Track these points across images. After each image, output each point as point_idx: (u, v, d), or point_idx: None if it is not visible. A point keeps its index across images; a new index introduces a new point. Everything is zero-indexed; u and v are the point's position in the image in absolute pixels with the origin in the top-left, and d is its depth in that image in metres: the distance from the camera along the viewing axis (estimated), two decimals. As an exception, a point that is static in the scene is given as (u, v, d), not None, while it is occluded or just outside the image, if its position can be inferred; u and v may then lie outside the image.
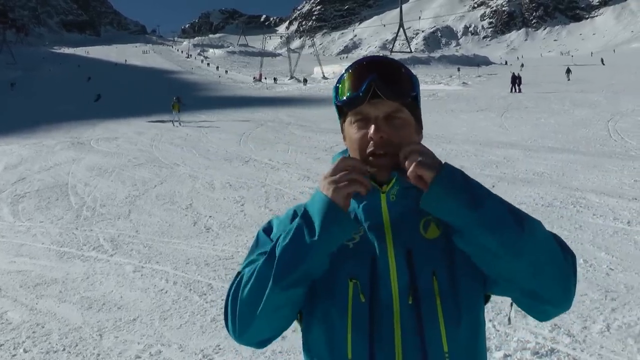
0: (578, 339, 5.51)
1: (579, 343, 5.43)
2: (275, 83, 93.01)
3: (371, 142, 1.70)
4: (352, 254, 1.72)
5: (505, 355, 5.19)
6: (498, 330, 5.62)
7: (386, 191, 1.75)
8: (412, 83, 1.79)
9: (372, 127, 1.69)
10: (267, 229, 1.90)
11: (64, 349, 5.74)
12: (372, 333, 1.68)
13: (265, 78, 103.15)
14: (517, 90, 45.45)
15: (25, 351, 5.76)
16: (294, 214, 1.87)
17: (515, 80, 46.73)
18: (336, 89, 1.79)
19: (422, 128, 1.88)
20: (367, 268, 1.70)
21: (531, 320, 5.84)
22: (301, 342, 1.88)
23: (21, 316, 6.70)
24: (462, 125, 26.46)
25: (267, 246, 1.76)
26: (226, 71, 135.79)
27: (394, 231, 1.73)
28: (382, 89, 1.68)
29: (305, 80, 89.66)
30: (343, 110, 1.81)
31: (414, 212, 1.73)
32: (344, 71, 1.79)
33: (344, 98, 1.74)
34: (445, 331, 1.68)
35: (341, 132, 1.87)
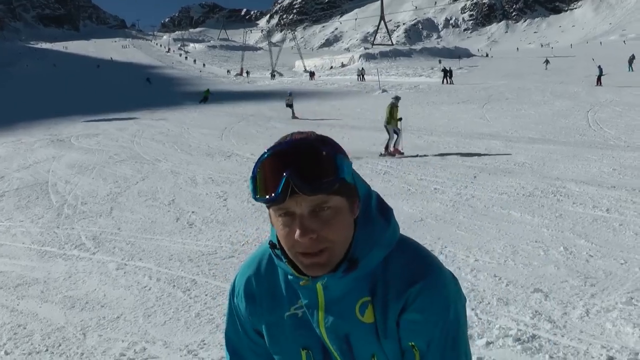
0: (559, 324, 5.57)
1: (559, 328, 5.49)
2: (247, 76, 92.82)
3: (297, 239, 1.51)
4: (302, 323, 1.69)
5: (488, 343, 5.22)
6: (480, 319, 5.67)
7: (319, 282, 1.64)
8: (336, 166, 1.53)
9: (297, 230, 1.50)
10: (232, 294, 1.88)
11: (46, 350, 5.69)
12: None
13: (247, 72, 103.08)
14: (449, 82, 50.48)
15: (6, 353, 5.70)
16: (247, 290, 1.81)
17: (446, 74, 52.02)
18: (253, 180, 1.55)
19: (357, 201, 1.63)
20: (318, 339, 1.69)
21: (513, 307, 5.93)
22: None
23: (1, 318, 6.62)
24: (443, 117, 26.65)
25: (237, 319, 1.85)
26: (204, 64, 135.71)
27: (327, 311, 1.67)
28: (300, 186, 1.47)
29: (273, 75, 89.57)
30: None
31: (348, 294, 1.65)
32: (259, 159, 1.55)
33: (262, 198, 1.52)
34: None
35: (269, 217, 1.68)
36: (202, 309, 6.45)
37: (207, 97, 47.43)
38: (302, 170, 1.47)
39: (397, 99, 18.72)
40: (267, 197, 1.50)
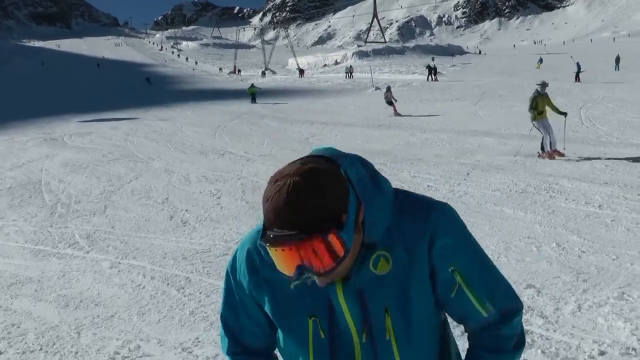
0: (551, 320, 5.61)
1: (551, 324, 5.52)
2: (264, 77, 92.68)
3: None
4: (310, 291, 1.73)
5: (480, 340, 5.24)
6: None
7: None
8: (341, 223, 1.57)
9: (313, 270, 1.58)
10: (232, 270, 1.93)
11: (40, 349, 5.69)
12: None
13: (239, 70, 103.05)
14: (434, 79, 51.41)
15: (0, 352, 5.70)
16: (250, 261, 1.86)
17: (431, 71, 53.06)
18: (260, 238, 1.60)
19: (358, 217, 1.66)
20: (325, 306, 1.74)
21: (507, 305, 5.91)
22: None
23: (-5, 316, 6.63)
24: (436, 114, 26.65)
25: (235, 294, 1.92)
26: (196, 62, 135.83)
27: (343, 277, 1.72)
28: (316, 274, 1.59)
29: (263, 73, 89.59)
30: None
31: (365, 250, 1.71)
32: (261, 238, 1.58)
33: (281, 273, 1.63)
34: None
35: None
36: (196, 306, 6.46)
37: (254, 93, 42.93)
38: (311, 260, 1.55)
39: (543, 85, 16.43)
40: (284, 275, 1.61)
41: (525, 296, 6.16)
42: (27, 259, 8.82)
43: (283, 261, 1.56)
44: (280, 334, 1.89)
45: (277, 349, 2.02)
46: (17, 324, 6.36)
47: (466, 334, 1.93)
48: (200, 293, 6.87)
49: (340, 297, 1.73)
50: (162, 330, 5.94)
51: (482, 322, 1.81)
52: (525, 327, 5.31)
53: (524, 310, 5.52)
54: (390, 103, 28.83)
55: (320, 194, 1.54)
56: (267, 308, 1.84)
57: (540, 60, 66.00)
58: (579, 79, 39.47)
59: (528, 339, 5.18)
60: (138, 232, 9.90)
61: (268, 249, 1.57)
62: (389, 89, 29.93)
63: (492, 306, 1.79)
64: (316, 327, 1.76)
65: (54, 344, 5.78)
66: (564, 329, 5.40)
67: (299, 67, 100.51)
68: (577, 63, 42.70)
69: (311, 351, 1.78)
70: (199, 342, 5.60)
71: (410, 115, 23.84)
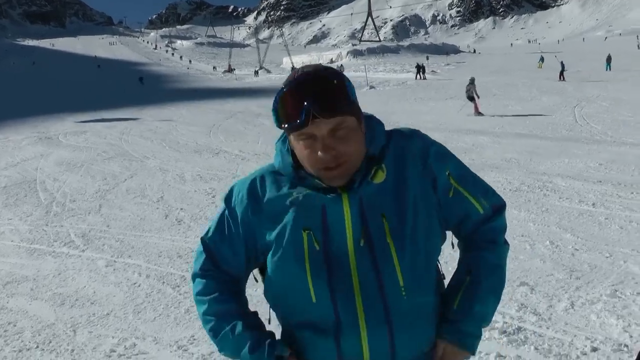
0: (544, 317, 5.66)
1: (544, 321, 5.58)
2: (257, 76, 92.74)
3: (322, 157, 1.81)
4: (304, 206, 1.89)
5: (475, 337, 5.28)
6: None
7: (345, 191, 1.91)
8: (347, 92, 1.85)
9: (320, 147, 1.80)
10: (227, 199, 2.10)
11: (37, 347, 5.71)
12: (331, 277, 1.85)
13: (234, 69, 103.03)
14: (422, 78, 53.02)
15: (-3, 350, 5.73)
16: (252, 189, 2.04)
17: (419, 69, 54.52)
18: (275, 111, 1.87)
19: (363, 118, 1.96)
20: (319, 218, 1.87)
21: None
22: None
23: (-9, 315, 6.66)
24: (431, 113, 26.76)
25: (225, 222, 2.07)
26: (190, 61, 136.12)
27: (347, 187, 1.89)
28: (321, 112, 1.76)
29: (256, 72, 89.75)
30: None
31: (366, 163, 1.93)
32: (279, 94, 1.85)
33: (286, 125, 1.84)
34: (399, 267, 1.86)
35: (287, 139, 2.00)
36: (191, 304, 6.44)
37: None
38: (319, 98, 1.77)
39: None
40: (292, 123, 1.81)
41: (519, 294, 6.23)
42: (22, 257, 8.83)
43: (291, 102, 1.81)
44: (274, 263, 1.96)
45: (268, 301, 2.11)
46: (13, 322, 6.37)
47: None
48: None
49: (346, 205, 1.88)
50: (157, 328, 5.97)
51: (479, 219, 2.07)
52: (519, 324, 5.44)
53: (517, 307, 5.63)
54: (471, 99, 25.84)
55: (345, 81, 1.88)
56: (265, 230, 1.96)
57: (542, 59, 62.39)
58: (563, 78, 40.84)
59: (521, 336, 5.26)
60: (133, 231, 9.91)
61: (278, 103, 1.86)
62: (472, 81, 26.33)
63: (486, 201, 2.07)
64: (310, 239, 1.87)
65: (50, 342, 5.80)
66: (557, 325, 5.45)
67: (293, 66, 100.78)
68: (562, 62, 44.42)
69: (307, 262, 1.86)
70: (194, 339, 5.63)
71: (493, 116, 23.68)
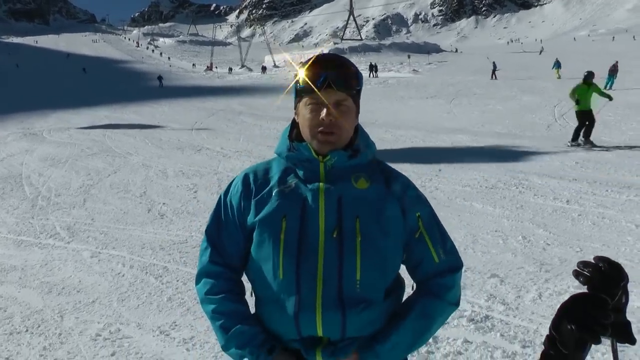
0: (511, 306, 5.89)
1: (512, 310, 5.80)
2: (230, 73, 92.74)
3: (321, 121, 2.16)
4: (287, 197, 2.18)
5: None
6: None
7: (324, 161, 2.21)
8: (358, 79, 2.25)
9: (325, 110, 2.15)
10: (225, 193, 2.40)
11: (26, 330, 5.90)
12: (299, 259, 2.12)
13: (217, 67, 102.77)
14: (375, 76, 56.99)
15: (-12, 334, 5.92)
16: (245, 180, 2.34)
17: (372, 68, 59.35)
18: (296, 76, 2.23)
19: (359, 113, 2.33)
20: (298, 208, 2.15)
21: (468, 291, 6.23)
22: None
23: (-18, 302, 6.83)
24: (411, 112, 26.94)
25: (223, 214, 2.36)
26: (169, 58, 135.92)
27: (326, 182, 2.19)
28: (335, 82, 2.14)
29: (264, 69, 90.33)
30: (301, 93, 2.22)
31: (347, 170, 2.21)
32: (306, 61, 2.22)
33: (304, 85, 2.18)
34: (360, 264, 2.12)
35: (294, 109, 2.32)
36: (173, 293, 6.70)
37: None
38: (336, 72, 2.16)
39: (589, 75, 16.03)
40: (308, 85, 2.16)
41: (489, 285, 6.45)
42: (10, 248, 8.97)
43: (313, 69, 2.18)
44: (255, 242, 2.24)
45: (246, 272, 2.39)
46: (3, 308, 6.55)
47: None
48: (178, 281, 7.11)
49: (321, 198, 2.18)
50: (140, 314, 6.17)
51: (432, 269, 2.27)
52: (487, 313, 5.64)
53: (486, 297, 5.86)
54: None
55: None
56: (252, 214, 2.24)
57: (558, 65, 46.61)
58: (495, 77, 45.03)
59: (488, 324, 5.49)
60: (117, 224, 10.07)
61: (308, 64, 2.22)
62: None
63: (444, 255, 2.28)
64: (288, 224, 2.15)
65: (39, 326, 5.99)
66: (523, 314, 5.68)
67: (275, 64, 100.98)
68: (493, 62, 48.72)
69: (281, 243, 2.14)
70: (175, 325, 5.84)
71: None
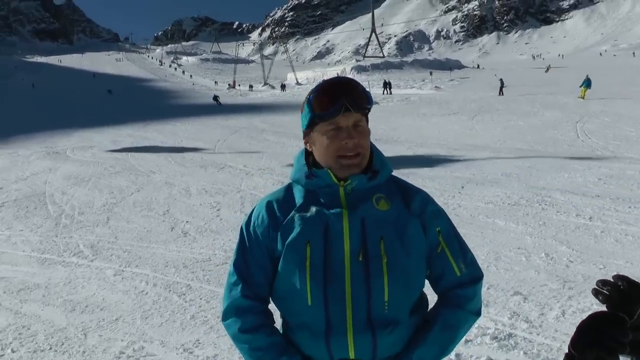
0: (535, 324, 5.84)
1: (535, 328, 5.75)
2: (251, 90, 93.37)
3: (345, 145, 2.16)
4: (309, 221, 2.18)
5: (466, 341, 5.48)
6: None
7: (344, 185, 2.20)
8: (369, 98, 2.24)
9: (346, 135, 2.16)
10: (247, 224, 2.36)
11: (50, 348, 5.95)
12: (326, 285, 2.13)
13: (239, 85, 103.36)
14: (389, 93, 56.83)
15: (12, 351, 5.95)
16: (269, 209, 2.32)
17: (386, 85, 58.71)
18: (309, 103, 2.21)
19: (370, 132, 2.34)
20: (322, 233, 2.16)
21: (492, 308, 6.19)
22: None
23: (6, 319, 6.87)
24: (433, 129, 26.85)
25: (248, 246, 2.33)
26: (191, 76, 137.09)
27: (349, 206, 2.19)
28: (352, 104, 2.14)
29: (283, 86, 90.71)
30: (314, 121, 2.21)
31: (367, 192, 2.21)
32: (315, 89, 2.22)
33: (321, 112, 2.17)
34: (387, 285, 2.14)
35: (304, 137, 2.33)
36: (197, 311, 6.74)
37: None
38: (351, 95, 2.16)
39: None
40: (326, 112, 2.15)
41: (512, 302, 6.40)
42: (34, 266, 9.07)
43: (328, 94, 2.18)
44: (281, 268, 2.25)
45: (273, 300, 2.39)
46: (27, 326, 6.61)
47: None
48: (201, 299, 7.14)
49: (345, 221, 2.18)
50: (164, 332, 6.21)
51: (454, 282, 2.30)
52: (510, 331, 5.60)
53: (509, 315, 5.83)
54: None
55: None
56: (279, 243, 2.24)
57: (588, 84, 39.28)
58: (502, 93, 45.01)
59: (512, 342, 5.46)
60: (140, 242, 10.15)
61: (315, 95, 2.21)
62: None
63: (465, 268, 2.31)
64: (313, 250, 2.16)
65: (63, 344, 6.04)
66: (547, 332, 5.63)
67: (297, 82, 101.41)
68: (501, 79, 48.27)
69: (308, 270, 2.15)
70: (199, 343, 5.87)
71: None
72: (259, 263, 2.31)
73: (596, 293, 1.52)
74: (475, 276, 2.35)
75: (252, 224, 2.33)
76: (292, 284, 2.20)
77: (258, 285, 2.31)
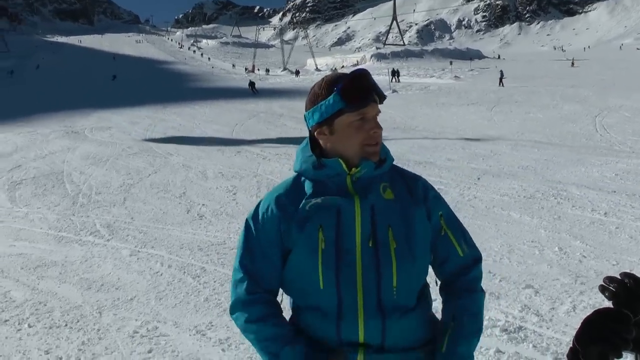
0: (545, 318, 5.84)
1: (545, 322, 5.76)
2: (267, 74, 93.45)
3: (372, 134, 2.24)
4: (321, 207, 2.22)
5: (476, 332, 5.52)
6: None
7: (351, 173, 2.25)
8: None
9: (374, 124, 2.25)
10: (255, 217, 2.35)
11: (66, 325, 6.05)
12: (338, 269, 2.18)
13: (258, 69, 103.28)
14: (397, 81, 57.56)
15: (29, 326, 6.06)
16: (279, 202, 2.32)
17: (394, 74, 59.12)
18: (340, 94, 2.21)
19: None
20: (334, 217, 2.20)
21: (503, 301, 6.22)
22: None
23: (24, 295, 6.99)
24: (452, 119, 26.75)
25: (255, 239, 2.32)
26: (209, 58, 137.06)
27: (359, 194, 2.24)
28: (380, 96, 2.27)
29: (297, 72, 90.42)
30: (342, 111, 2.22)
31: (372, 181, 2.29)
32: (347, 78, 2.25)
33: (357, 102, 2.20)
34: (396, 271, 2.19)
35: (317, 127, 2.30)
36: (210, 294, 6.81)
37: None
38: (377, 87, 2.25)
39: None
40: (358, 102, 2.20)
41: (523, 296, 6.41)
42: (51, 244, 9.21)
43: (358, 85, 2.22)
44: (293, 254, 2.27)
45: (283, 284, 2.40)
46: (43, 302, 6.72)
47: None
48: (215, 282, 7.22)
49: (357, 208, 2.23)
50: (178, 313, 6.28)
51: (459, 263, 2.39)
52: (520, 324, 5.63)
53: (520, 308, 5.85)
54: None
55: None
56: (291, 235, 2.25)
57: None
58: (502, 84, 46.03)
59: (521, 334, 5.48)
60: (156, 224, 10.25)
61: (343, 87, 2.22)
62: None
63: (467, 248, 2.40)
64: (325, 235, 2.19)
65: (78, 321, 6.14)
66: (557, 326, 5.63)
67: (317, 68, 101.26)
68: (500, 70, 49.75)
69: (320, 254, 2.18)
70: (212, 325, 5.94)
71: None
72: (266, 256, 2.31)
73: (603, 289, 1.56)
74: (476, 257, 2.44)
75: (260, 217, 2.33)
76: (304, 267, 2.23)
77: (265, 279, 2.32)
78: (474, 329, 2.36)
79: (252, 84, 54.96)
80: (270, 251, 2.31)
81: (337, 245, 2.19)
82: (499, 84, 46.06)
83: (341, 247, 2.19)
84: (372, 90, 2.23)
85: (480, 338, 5.19)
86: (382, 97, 2.28)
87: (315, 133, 2.32)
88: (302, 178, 2.35)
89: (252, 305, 2.29)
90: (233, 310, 2.33)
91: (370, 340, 2.22)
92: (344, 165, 2.24)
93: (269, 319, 2.28)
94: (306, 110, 2.35)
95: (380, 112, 2.29)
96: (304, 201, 2.27)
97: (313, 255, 2.20)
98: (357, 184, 2.26)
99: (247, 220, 2.37)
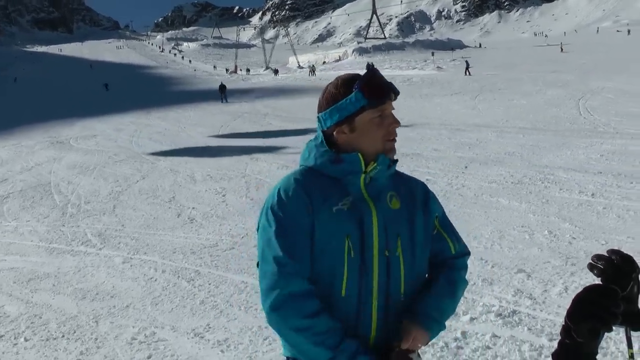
0: (538, 301, 5.92)
1: (538, 304, 5.84)
2: (248, 74, 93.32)
3: (392, 130, 2.33)
4: (347, 215, 2.23)
5: (472, 318, 5.57)
6: (466, 298, 5.92)
7: (367, 171, 2.29)
8: None
9: (393, 119, 2.34)
10: (281, 203, 2.24)
11: (63, 336, 6.06)
12: (361, 278, 2.21)
13: (241, 70, 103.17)
14: None
15: (26, 340, 6.05)
16: (306, 189, 2.26)
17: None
18: (362, 92, 2.27)
19: None
20: (358, 228, 2.23)
21: (496, 286, 6.28)
22: None
23: (18, 309, 6.98)
24: (436, 109, 26.89)
25: (287, 225, 2.20)
26: (190, 61, 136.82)
27: (375, 203, 2.28)
28: (397, 92, 2.35)
29: (276, 71, 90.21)
30: (364, 108, 2.28)
31: (383, 188, 2.35)
32: (366, 77, 2.31)
33: (379, 99, 2.28)
34: (404, 278, 2.28)
35: (338, 125, 2.32)
36: (206, 296, 6.83)
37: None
38: (392, 83, 2.33)
39: None
40: (380, 99, 2.28)
41: (516, 280, 6.48)
42: (42, 256, 9.19)
43: (377, 84, 2.30)
44: (317, 258, 2.21)
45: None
46: (38, 314, 6.72)
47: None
48: (210, 284, 7.23)
49: (374, 219, 2.26)
50: (174, 318, 6.29)
51: (449, 256, 2.50)
52: (514, 308, 5.69)
53: (513, 292, 5.90)
54: None
55: None
56: (316, 230, 2.22)
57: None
58: (468, 73, 47.74)
59: (516, 318, 5.53)
60: (147, 230, 10.25)
61: (364, 85, 2.28)
62: None
63: (457, 245, 2.52)
64: (351, 244, 2.21)
65: (75, 331, 6.14)
66: (550, 308, 5.71)
67: (304, 65, 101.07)
68: (466, 60, 52.02)
69: (346, 264, 2.19)
70: (209, 327, 5.95)
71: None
72: (304, 241, 2.19)
73: (591, 267, 1.60)
74: (465, 251, 2.58)
75: (285, 202, 2.22)
76: (328, 274, 2.21)
77: (308, 268, 2.18)
78: (450, 291, 2.45)
79: (222, 87, 46.90)
80: (304, 236, 2.20)
81: (362, 255, 2.21)
82: (465, 73, 47.71)
83: (364, 256, 2.22)
84: (390, 86, 2.31)
85: (476, 324, 5.26)
86: (397, 94, 2.34)
87: (334, 133, 2.32)
88: (316, 172, 2.32)
89: (308, 299, 2.15)
90: (280, 306, 2.13)
91: (378, 342, 2.27)
92: (362, 162, 2.28)
93: (323, 312, 2.15)
94: (320, 112, 2.36)
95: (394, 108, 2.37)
96: (327, 200, 2.23)
97: (339, 263, 2.19)
98: (369, 186, 2.30)
99: (269, 210, 2.26)
